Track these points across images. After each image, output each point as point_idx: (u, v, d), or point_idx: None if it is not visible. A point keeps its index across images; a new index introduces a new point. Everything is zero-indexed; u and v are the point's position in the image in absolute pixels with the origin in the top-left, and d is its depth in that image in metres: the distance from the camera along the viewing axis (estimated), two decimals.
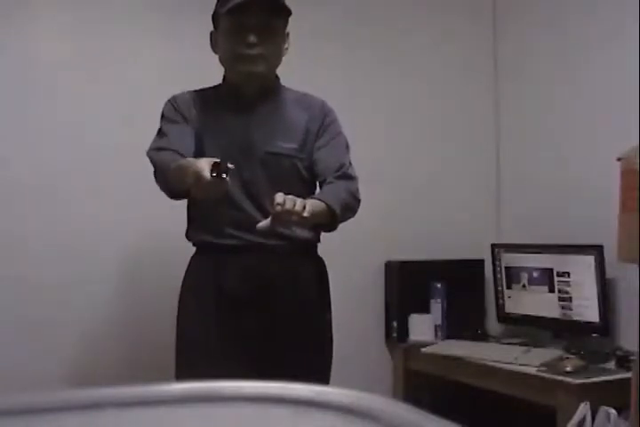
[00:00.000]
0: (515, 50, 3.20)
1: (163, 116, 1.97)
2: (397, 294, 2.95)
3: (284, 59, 1.98)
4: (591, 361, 2.43)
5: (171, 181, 1.74)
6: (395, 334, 2.94)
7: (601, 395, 2.23)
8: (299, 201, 1.61)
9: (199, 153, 1.83)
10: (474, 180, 3.23)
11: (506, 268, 2.96)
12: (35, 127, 2.48)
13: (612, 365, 2.44)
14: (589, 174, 2.78)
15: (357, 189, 2.00)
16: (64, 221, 2.49)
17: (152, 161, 1.86)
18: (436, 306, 2.92)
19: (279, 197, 1.58)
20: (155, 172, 1.84)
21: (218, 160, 1.52)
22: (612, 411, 2.13)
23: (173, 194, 1.83)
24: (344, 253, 2.68)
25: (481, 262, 3.09)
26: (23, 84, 2.48)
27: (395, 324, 2.94)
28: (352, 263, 2.87)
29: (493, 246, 3.01)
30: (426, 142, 3.16)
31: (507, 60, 3.25)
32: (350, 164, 2.03)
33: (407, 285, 2.95)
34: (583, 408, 2.16)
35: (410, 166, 3.11)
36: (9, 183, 2.44)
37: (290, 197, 1.60)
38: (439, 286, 2.93)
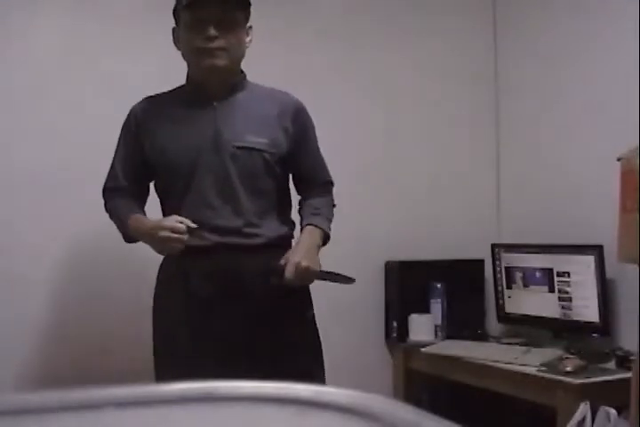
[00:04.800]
0: (515, 50, 3.20)
1: (121, 129, 2.02)
2: (397, 294, 2.95)
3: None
4: (591, 361, 2.43)
5: (128, 232, 1.92)
6: (395, 334, 2.94)
7: (601, 395, 2.23)
8: (295, 264, 1.82)
9: (167, 155, 1.91)
10: (474, 180, 3.23)
11: (506, 268, 2.96)
12: (33, 126, 2.48)
13: (612, 365, 2.44)
14: (589, 175, 2.78)
15: (333, 197, 2.11)
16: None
17: (106, 205, 2.02)
18: (436, 306, 2.92)
19: (288, 272, 1.81)
20: (109, 215, 2.00)
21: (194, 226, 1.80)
22: (612, 411, 2.13)
23: (128, 240, 1.97)
24: (344, 253, 2.68)
25: (481, 262, 3.09)
26: (23, 83, 2.48)
27: (395, 324, 2.94)
28: (352, 263, 2.87)
29: (493, 246, 3.01)
30: (426, 142, 3.16)
31: (507, 61, 3.25)
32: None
33: (407, 285, 2.95)
34: (583, 408, 2.16)
35: (410, 167, 3.11)
36: None
37: (290, 264, 1.81)
38: (439, 286, 2.93)
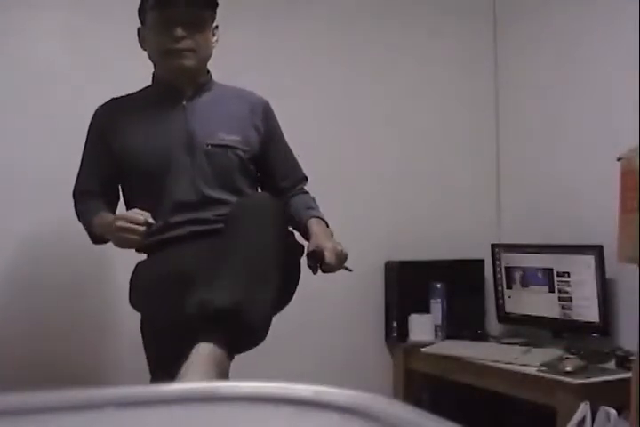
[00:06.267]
0: (515, 50, 3.21)
1: (88, 131, 1.99)
2: (397, 294, 2.95)
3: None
4: (591, 361, 2.43)
5: (95, 232, 1.90)
6: (395, 334, 2.94)
7: (601, 395, 2.23)
8: (334, 250, 1.79)
9: (139, 158, 1.87)
10: (474, 180, 3.24)
11: (506, 268, 2.96)
12: (33, 126, 2.48)
13: (612, 365, 2.44)
14: (589, 174, 2.78)
15: None
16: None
17: (76, 207, 1.99)
18: (436, 306, 2.92)
19: (329, 258, 1.76)
20: (78, 217, 1.98)
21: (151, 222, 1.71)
22: (612, 411, 2.13)
23: (96, 241, 1.95)
24: None
25: (481, 262, 3.09)
26: (22, 83, 2.48)
27: (395, 324, 2.94)
28: (352, 263, 2.86)
29: (493, 246, 3.01)
30: (426, 142, 3.16)
31: (507, 60, 3.25)
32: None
33: (407, 285, 2.95)
34: (583, 408, 2.16)
35: (410, 166, 3.11)
36: None
37: (329, 250, 1.77)
38: (439, 286, 2.93)
